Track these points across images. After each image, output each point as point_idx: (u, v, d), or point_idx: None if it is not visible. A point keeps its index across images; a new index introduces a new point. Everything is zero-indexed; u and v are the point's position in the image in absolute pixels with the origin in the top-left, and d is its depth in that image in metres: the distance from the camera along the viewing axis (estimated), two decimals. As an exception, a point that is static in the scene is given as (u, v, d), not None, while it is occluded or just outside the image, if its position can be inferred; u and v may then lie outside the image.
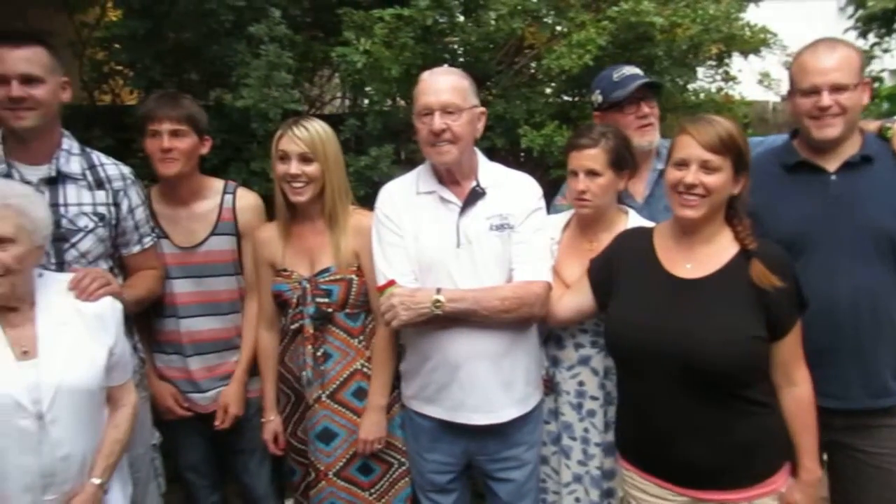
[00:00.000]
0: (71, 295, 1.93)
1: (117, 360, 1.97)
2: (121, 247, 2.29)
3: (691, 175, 1.84)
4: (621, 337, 1.97)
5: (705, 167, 1.84)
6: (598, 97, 2.47)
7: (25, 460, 1.75)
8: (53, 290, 1.91)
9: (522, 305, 2.10)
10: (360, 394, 2.32)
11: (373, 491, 2.33)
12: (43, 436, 1.77)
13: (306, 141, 2.23)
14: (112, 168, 2.26)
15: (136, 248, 2.31)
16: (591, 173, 2.15)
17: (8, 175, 2.08)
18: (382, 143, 3.07)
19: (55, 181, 2.14)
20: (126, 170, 2.30)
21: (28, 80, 2.03)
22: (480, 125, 2.21)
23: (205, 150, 2.45)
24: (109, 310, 1.97)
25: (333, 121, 2.60)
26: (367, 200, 2.55)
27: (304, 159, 2.24)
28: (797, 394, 1.91)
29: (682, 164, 1.87)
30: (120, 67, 3.35)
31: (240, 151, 3.06)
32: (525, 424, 2.25)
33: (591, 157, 2.15)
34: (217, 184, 2.50)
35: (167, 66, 3.09)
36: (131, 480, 2.13)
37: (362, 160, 2.95)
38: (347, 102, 3.87)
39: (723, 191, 1.86)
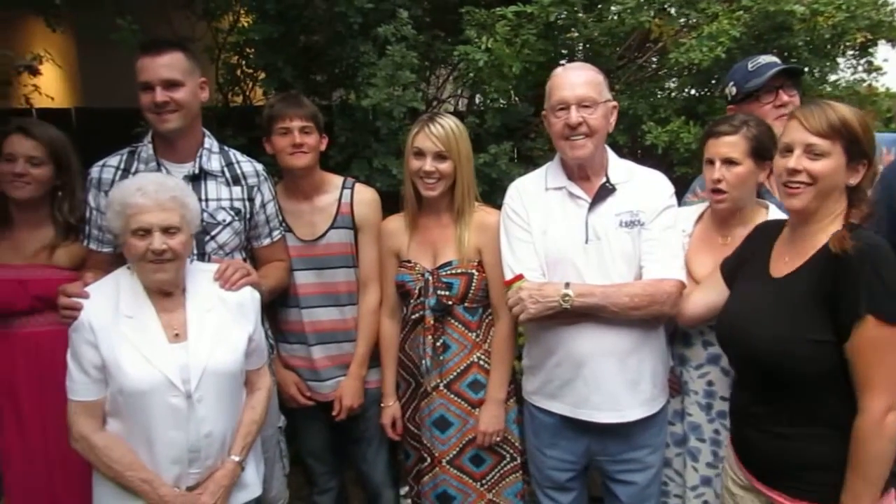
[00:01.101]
0: (215, 284, 2.04)
1: (255, 346, 2.07)
2: (252, 239, 2.40)
3: (794, 160, 1.71)
4: (719, 333, 1.94)
5: (810, 152, 1.70)
6: (731, 89, 2.38)
7: (175, 435, 1.88)
8: (200, 279, 2.03)
9: (653, 303, 2.05)
10: (476, 386, 2.34)
11: (483, 482, 2.36)
12: (191, 413, 1.88)
13: (441, 139, 2.27)
14: (247, 165, 2.38)
15: (267, 241, 2.42)
16: (729, 162, 2.06)
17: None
18: (501, 141, 3.09)
19: (198, 178, 2.26)
20: (259, 166, 2.41)
21: (169, 84, 2.16)
22: (613, 119, 2.18)
23: (323, 146, 2.53)
24: (249, 299, 2.07)
25: (452, 119, 2.63)
26: (484, 197, 2.56)
27: (439, 157, 2.28)
28: (857, 423, 1.65)
29: (787, 150, 1.74)
30: (250, 70, 3.54)
31: (362, 149, 3.16)
32: (650, 427, 2.20)
33: (730, 144, 2.06)
34: (336, 179, 2.55)
35: (297, 68, 3.22)
36: (263, 460, 2.23)
37: (480, 157, 2.98)
38: (464, 101, 3.91)
39: (831, 178, 1.70)
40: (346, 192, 2.52)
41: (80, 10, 3.54)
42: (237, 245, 2.33)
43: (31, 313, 2.26)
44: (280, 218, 2.47)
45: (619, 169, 2.20)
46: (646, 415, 2.16)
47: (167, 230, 1.87)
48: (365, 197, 2.54)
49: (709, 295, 2.05)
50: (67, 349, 1.92)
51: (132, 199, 1.85)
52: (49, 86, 4.23)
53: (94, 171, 2.26)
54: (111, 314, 1.88)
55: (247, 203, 2.33)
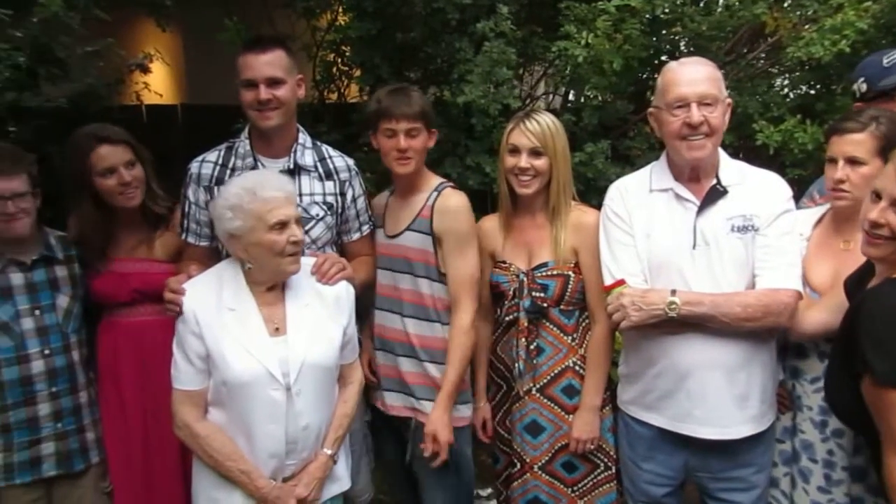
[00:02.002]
0: (312, 277, 2.06)
1: (349, 340, 2.08)
2: (343, 234, 2.40)
3: (877, 212, 1.59)
4: None
5: None
6: (861, 86, 2.21)
7: (274, 428, 1.90)
8: (298, 273, 2.02)
9: (767, 315, 1.92)
10: (570, 391, 2.27)
11: (575, 489, 2.30)
12: (289, 406, 1.90)
13: (537, 135, 2.21)
14: (339, 160, 2.38)
15: (356, 236, 2.42)
16: (853, 161, 1.92)
17: (254, 168, 2.25)
18: (597, 140, 3.00)
19: (292, 173, 2.28)
20: (350, 161, 2.41)
21: (272, 82, 2.17)
22: (727, 118, 2.06)
23: (431, 143, 2.35)
24: (345, 293, 2.08)
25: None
26: (580, 198, 2.48)
27: (535, 153, 2.22)
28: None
29: (877, 196, 1.62)
30: (346, 68, 3.58)
31: (455, 147, 3.13)
32: (757, 445, 2.07)
33: (855, 142, 1.91)
34: (434, 180, 2.37)
35: (392, 65, 3.23)
36: (350, 454, 2.23)
37: (576, 157, 2.90)
38: (558, 98, 3.83)
39: None
40: (434, 195, 2.31)
41: (188, 9, 3.68)
42: (329, 239, 2.35)
43: (132, 304, 2.35)
44: (369, 213, 2.45)
45: (731, 170, 2.08)
46: (753, 432, 2.04)
47: (297, 222, 1.92)
48: (447, 203, 2.27)
49: (828, 315, 1.91)
50: (168, 338, 1.98)
51: (267, 193, 1.87)
52: (157, 83, 4.41)
53: (194, 166, 2.31)
54: (214, 306, 1.92)
55: (339, 198, 2.34)
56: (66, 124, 2.55)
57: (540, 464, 2.29)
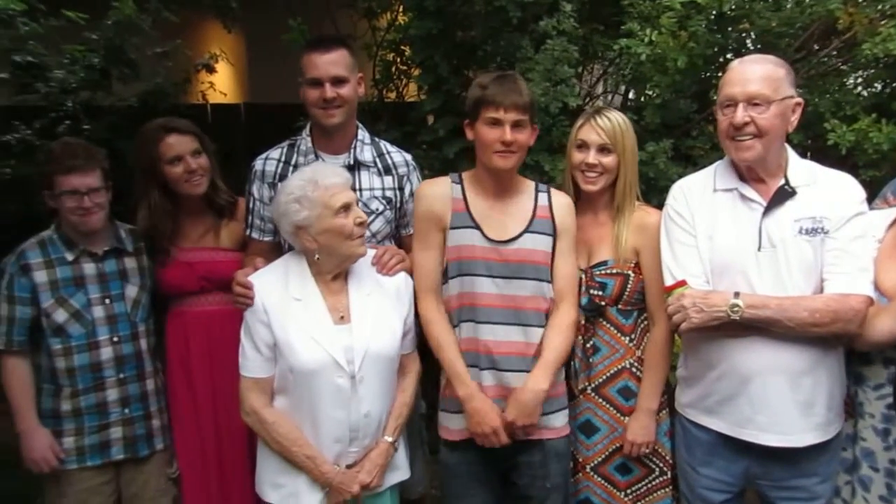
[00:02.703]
0: (373, 269, 2.10)
1: (408, 330, 2.12)
2: (401, 227, 2.43)
3: None
4: None
5: None
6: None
7: (338, 414, 1.95)
8: (360, 264, 2.08)
9: (836, 321, 1.85)
10: (626, 392, 2.24)
11: (629, 492, 2.26)
12: (353, 394, 1.95)
13: (608, 131, 2.19)
14: (397, 155, 2.41)
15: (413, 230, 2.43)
16: None
17: None
18: (659, 139, 2.94)
19: (352, 168, 2.31)
20: (408, 156, 2.43)
21: (336, 80, 2.22)
22: (795, 118, 1.99)
23: (532, 141, 2.16)
24: (404, 284, 2.12)
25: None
26: (642, 196, 2.44)
27: (603, 150, 2.20)
28: None
29: None
30: (404, 67, 3.61)
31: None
32: (822, 454, 2.00)
33: None
34: (528, 181, 2.25)
35: (451, 64, 3.24)
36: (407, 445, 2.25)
37: (638, 155, 2.84)
38: (618, 97, 3.78)
39: None
40: (542, 195, 2.19)
41: (252, 11, 3.79)
42: (388, 233, 2.38)
43: (200, 293, 2.42)
44: None
45: (801, 170, 2.01)
46: (818, 441, 1.97)
47: (356, 204, 2.00)
48: (563, 200, 2.20)
49: (892, 320, 1.85)
50: (236, 327, 2.04)
51: (327, 181, 1.95)
52: (222, 83, 4.56)
53: (258, 163, 2.36)
54: (281, 296, 1.98)
55: (397, 192, 2.37)
56: (136, 122, 2.65)
57: (592, 464, 2.27)
